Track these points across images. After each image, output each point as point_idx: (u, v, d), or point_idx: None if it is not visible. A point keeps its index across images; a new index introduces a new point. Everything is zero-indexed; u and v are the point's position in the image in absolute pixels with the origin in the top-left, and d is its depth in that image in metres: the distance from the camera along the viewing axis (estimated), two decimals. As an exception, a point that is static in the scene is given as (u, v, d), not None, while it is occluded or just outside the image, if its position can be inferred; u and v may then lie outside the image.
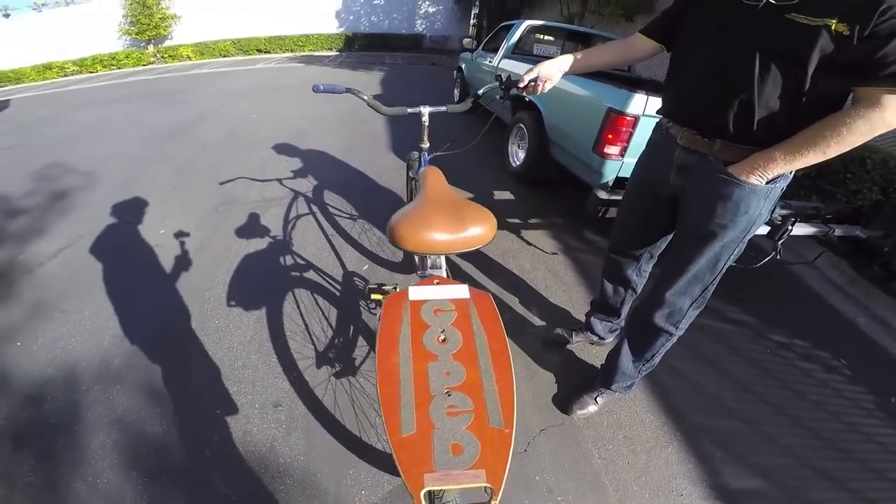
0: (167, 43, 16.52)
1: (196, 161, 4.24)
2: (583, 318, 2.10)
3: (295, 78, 10.25)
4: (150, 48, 15.90)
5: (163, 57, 15.71)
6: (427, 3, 19.32)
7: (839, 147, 1.01)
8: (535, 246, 2.94)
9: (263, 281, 2.41)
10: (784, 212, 2.41)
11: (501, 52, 4.89)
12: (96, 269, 2.51)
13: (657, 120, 1.46)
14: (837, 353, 2.44)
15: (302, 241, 2.78)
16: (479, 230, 1.04)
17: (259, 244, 2.75)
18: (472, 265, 2.64)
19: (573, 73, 1.49)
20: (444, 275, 1.31)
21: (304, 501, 1.40)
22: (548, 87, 1.45)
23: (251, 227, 2.94)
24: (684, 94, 1.27)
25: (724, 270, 1.33)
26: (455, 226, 1.03)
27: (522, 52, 5.18)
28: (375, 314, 1.68)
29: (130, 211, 3.21)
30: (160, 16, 15.90)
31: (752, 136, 1.12)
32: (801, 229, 2.45)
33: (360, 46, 18.08)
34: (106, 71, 14.14)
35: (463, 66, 6.49)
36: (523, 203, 3.55)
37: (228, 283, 2.37)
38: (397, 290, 1.24)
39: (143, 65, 14.98)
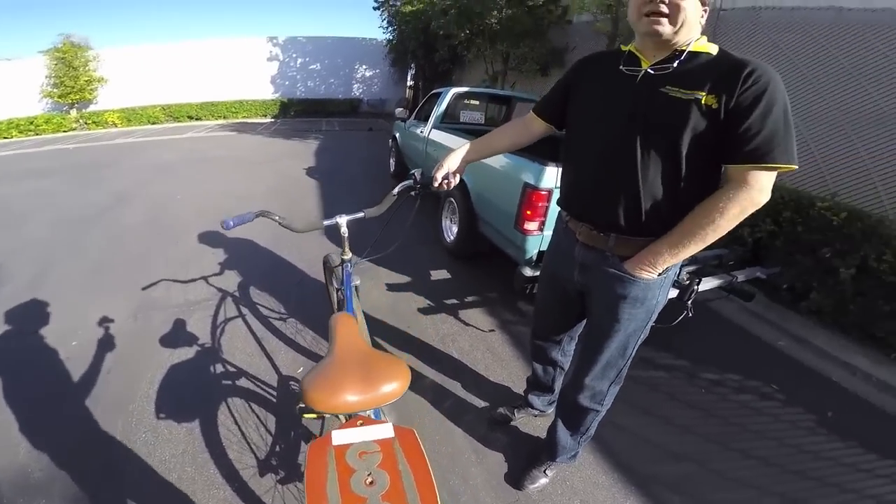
0: (92, 108, 15.66)
1: (113, 254, 3.93)
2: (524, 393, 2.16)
3: (225, 149, 10.03)
4: (73, 113, 14.97)
5: (86, 123, 14.84)
6: (364, 66, 19.77)
7: (717, 233, 1.08)
8: (472, 326, 2.97)
9: (193, 391, 2.25)
10: (690, 268, 2.57)
11: (431, 121, 5.01)
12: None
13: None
14: (768, 378, 2.62)
15: (231, 348, 2.62)
16: (391, 386, 1.03)
17: (186, 353, 2.57)
18: (412, 356, 2.61)
19: (479, 160, 1.57)
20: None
21: None
22: (456, 180, 1.51)
23: (176, 335, 2.73)
24: (577, 188, 1.35)
25: (634, 353, 1.44)
26: (367, 385, 1.02)
27: (451, 119, 5.38)
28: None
29: (37, 317, 2.90)
30: (86, 78, 15.07)
31: (643, 228, 1.19)
32: (707, 284, 2.59)
33: (295, 112, 18.12)
34: (22, 137, 13.22)
35: (397, 134, 6.54)
36: (459, 281, 3.61)
37: (155, 395, 2.20)
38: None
39: (65, 131, 14.08)
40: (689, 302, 2.05)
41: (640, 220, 1.18)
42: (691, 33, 1.12)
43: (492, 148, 1.58)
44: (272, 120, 17.50)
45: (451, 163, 1.49)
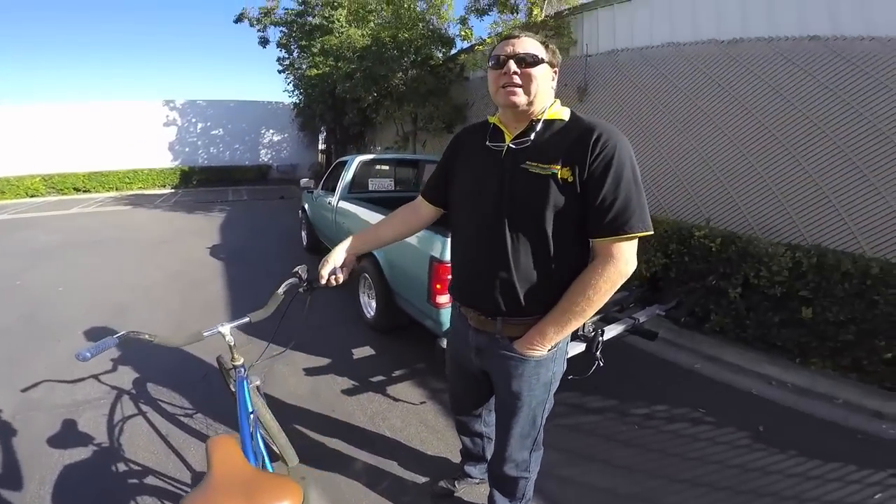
0: None
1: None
2: None
3: (117, 228, 9.08)
4: None
5: None
6: (271, 131, 19.15)
7: (595, 307, 1.14)
8: (403, 400, 2.87)
9: (92, 492, 2.00)
10: (594, 318, 2.68)
11: (339, 192, 4.88)
12: None
13: None
14: (693, 403, 2.72)
15: (133, 446, 2.35)
16: None
17: (80, 453, 2.29)
18: (340, 440, 2.46)
19: (368, 251, 1.54)
20: None
21: None
22: (345, 275, 1.46)
23: (66, 435, 2.44)
24: (459, 273, 1.39)
25: (545, 421, 1.47)
26: None
27: (360, 188, 5.25)
28: None
29: None
30: None
31: (525, 310, 1.22)
32: (611, 332, 2.68)
33: (198, 181, 17.02)
34: None
35: (306, 206, 6.37)
36: (385, 356, 3.49)
37: (50, 497, 1.99)
38: None
39: None
40: (598, 353, 2.13)
41: (520, 304, 1.21)
42: (545, 101, 1.19)
43: (379, 238, 1.56)
44: (172, 191, 16.28)
45: (336, 258, 1.46)
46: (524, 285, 1.19)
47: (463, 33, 7.92)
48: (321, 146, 19.36)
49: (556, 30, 6.74)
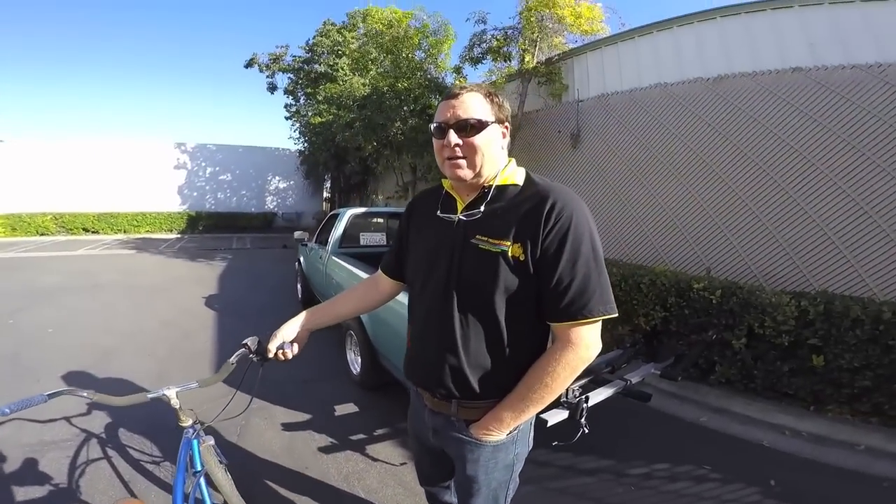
0: None
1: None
2: None
3: (119, 272, 9.15)
4: None
5: None
6: (277, 178, 19.41)
7: (554, 393, 1.02)
8: (382, 460, 2.69)
9: None
10: (581, 381, 2.42)
11: (330, 246, 4.81)
12: None
13: None
14: (699, 459, 2.50)
15: (91, 489, 2.30)
16: None
17: (34, 492, 2.28)
18: (310, 499, 2.31)
19: (324, 326, 1.41)
20: None
21: None
22: (295, 349, 1.34)
23: (24, 474, 2.42)
24: (412, 354, 1.28)
25: (509, 500, 1.32)
26: None
27: (351, 242, 5.15)
28: None
29: None
30: None
31: (480, 394, 1.11)
32: (597, 397, 2.43)
33: (204, 227, 17.19)
34: None
35: (301, 259, 6.33)
36: (367, 413, 3.33)
37: None
38: None
39: None
40: (583, 420, 1.98)
41: (473, 390, 1.10)
42: (496, 165, 1.10)
43: (336, 314, 1.44)
44: (178, 236, 16.43)
45: (286, 333, 1.33)
46: (476, 372, 1.08)
47: (458, 83, 8.11)
48: (325, 194, 19.57)
49: (547, 76, 6.93)
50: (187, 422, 1.53)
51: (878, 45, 3.41)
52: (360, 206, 11.20)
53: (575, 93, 6.64)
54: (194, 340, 4.91)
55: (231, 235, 16.29)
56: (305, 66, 12.90)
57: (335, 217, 5.24)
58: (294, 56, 13.54)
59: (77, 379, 3.75)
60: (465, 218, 1.09)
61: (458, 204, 1.14)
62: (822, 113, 3.77)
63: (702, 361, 3.53)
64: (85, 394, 1.30)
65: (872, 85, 3.47)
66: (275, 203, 19.53)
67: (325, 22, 12.59)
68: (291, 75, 13.89)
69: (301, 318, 1.37)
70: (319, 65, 11.79)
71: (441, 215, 1.15)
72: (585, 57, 6.50)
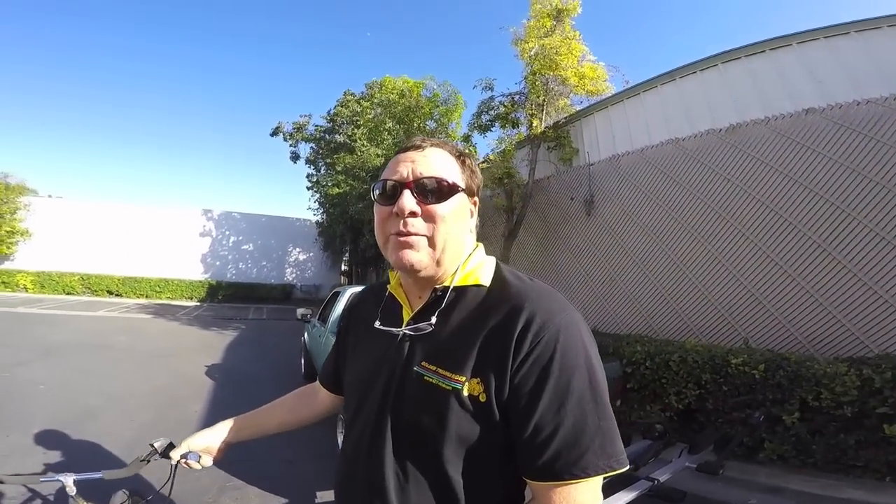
0: (6, 265, 14.54)
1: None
2: None
3: (131, 335, 9.26)
4: None
5: None
6: (297, 249, 19.58)
7: None
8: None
9: None
10: None
11: (329, 324, 4.66)
12: None
13: None
14: None
15: None
16: None
17: None
18: None
19: (246, 439, 1.11)
20: None
21: None
22: (207, 461, 1.07)
23: None
24: (338, 495, 0.92)
25: None
26: None
27: None
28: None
29: None
30: (8, 228, 14.15)
31: None
32: (616, 502, 2.09)
33: (224, 297, 17.22)
34: None
35: (305, 335, 6.32)
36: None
37: None
38: None
39: None
40: None
41: None
42: (459, 253, 0.79)
43: (261, 427, 1.13)
44: (197, 304, 16.48)
45: (194, 443, 1.07)
46: None
47: (467, 151, 8.21)
48: (343, 267, 19.60)
49: (556, 140, 6.92)
50: None
51: (882, 73, 3.27)
52: (377, 280, 10.95)
53: (585, 156, 6.59)
54: (182, 409, 4.80)
55: (249, 306, 16.28)
56: (326, 136, 13.48)
57: (336, 295, 5.25)
58: (316, 125, 14.19)
59: (48, 438, 3.62)
60: (410, 332, 0.79)
61: (403, 311, 0.84)
62: (844, 154, 3.56)
63: (747, 439, 3.23)
64: None
65: (888, 117, 3.29)
66: (294, 275, 19.58)
67: (345, 92, 13.33)
68: (313, 145, 14.48)
69: (218, 428, 1.10)
70: (339, 135, 12.26)
71: (380, 327, 0.84)
72: (593, 118, 6.55)
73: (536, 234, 7.75)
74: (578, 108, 6.81)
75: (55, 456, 3.33)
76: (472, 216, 0.83)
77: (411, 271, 0.75)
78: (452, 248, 0.76)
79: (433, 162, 0.76)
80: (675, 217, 5.06)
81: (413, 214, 0.73)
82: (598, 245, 6.41)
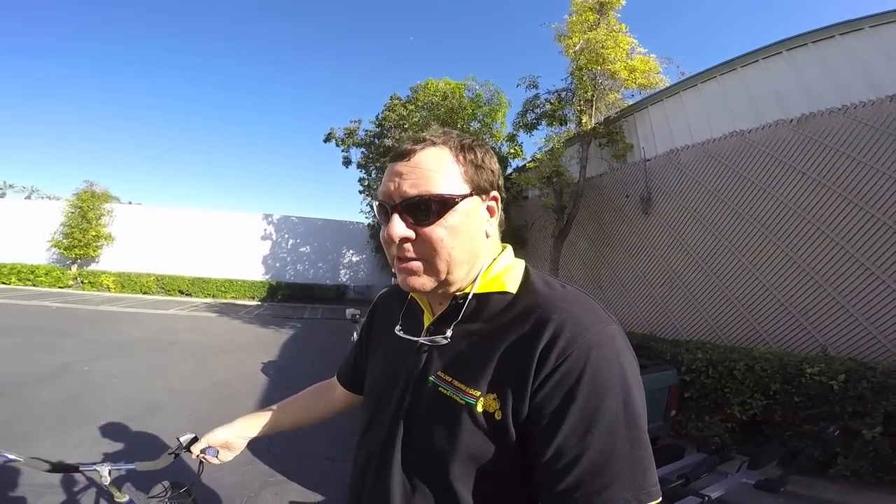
0: (92, 266, 16.02)
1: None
2: None
3: (196, 333, 9.88)
4: (74, 269, 15.29)
5: (82, 282, 15.03)
6: (350, 251, 20.34)
7: None
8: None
9: None
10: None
11: None
12: None
13: None
14: None
15: None
16: None
17: None
18: None
19: (264, 435, 1.12)
20: None
21: None
22: (227, 456, 1.09)
23: None
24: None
25: None
26: None
27: None
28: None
29: None
30: (94, 233, 15.59)
31: None
32: None
33: (283, 297, 18.00)
34: (20, 285, 13.38)
35: (354, 335, 6.34)
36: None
37: None
38: None
39: (60, 287, 14.23)
40: None
41: None
42: (476, 262, 0.73)
43: (275, 424, 1.12)
44: (258, 303, 17.36)
45: (213, 438, 1.08)
46: None
47: (512, 151, 7.98)
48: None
49: (608, 136, 6.62)
50: (123, 497, 1.44)
51: None
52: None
53: (640, 152, 6.26)
54: (240, 403, 5.00)
55: (305, 305, 16.95)
56: (376, 141, 13.74)
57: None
58: (366, 130, 14.51)
59: (112, 430, 3.92)
60: (427, 342, 0.75)
61: (424, 317, 0.80)
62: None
63: (818, 454, 2.94)
64: (15, 455, 1.24)
65: None
66: (347, 276, 20.30)
67: (392, 96, 13.48)
68: (364, 149, 14.81)
69: (237, 423, 1.11)
70: (388, 139, 12.47)
71: (399, 333, 0.81)
72: (647, 112, 6.20)
73: (589, 234, 7.46)
74: (630, 102, 6.47)
75: (118, 447, 3.57)
76: (491, 216, 0.75)
77: (419, 293, 0.75)
78: (462, 262, 0.70)
79: (422, 173, 0.68)
80: (743, 214, 4.67)
81: (406, 240, 0.68)
82: (656, 245, 6.08)
